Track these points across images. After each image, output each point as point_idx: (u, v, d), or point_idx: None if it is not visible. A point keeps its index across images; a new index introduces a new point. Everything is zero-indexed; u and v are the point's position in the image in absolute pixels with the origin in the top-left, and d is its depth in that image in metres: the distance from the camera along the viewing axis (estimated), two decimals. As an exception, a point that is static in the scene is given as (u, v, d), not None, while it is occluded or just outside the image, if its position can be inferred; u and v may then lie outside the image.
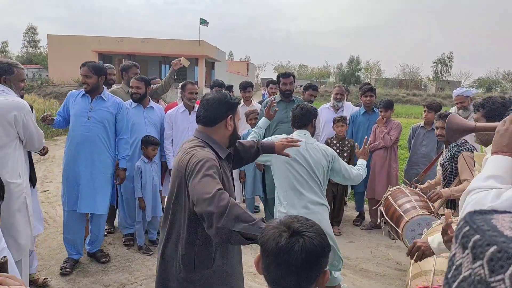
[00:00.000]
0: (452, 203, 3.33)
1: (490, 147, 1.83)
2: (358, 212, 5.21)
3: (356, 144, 3.64)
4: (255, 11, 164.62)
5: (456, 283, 0.39)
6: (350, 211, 5.48)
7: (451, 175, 3.28)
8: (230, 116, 1.86)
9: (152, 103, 4.18)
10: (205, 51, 29.31)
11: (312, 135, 3.06)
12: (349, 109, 5.38)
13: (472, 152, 3.16)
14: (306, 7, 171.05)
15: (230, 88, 6.33)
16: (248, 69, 45.53)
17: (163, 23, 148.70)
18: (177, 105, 4.91)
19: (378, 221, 3.76)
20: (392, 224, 3.42)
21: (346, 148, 4.71)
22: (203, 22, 29.81)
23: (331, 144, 4.73)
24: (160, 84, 4.61)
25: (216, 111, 1.84)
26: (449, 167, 3.27)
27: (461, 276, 0.39)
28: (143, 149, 3.91)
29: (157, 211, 4.01)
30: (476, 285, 0.36)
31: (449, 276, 0.42)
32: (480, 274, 0.36)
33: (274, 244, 1.01)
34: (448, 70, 52.41)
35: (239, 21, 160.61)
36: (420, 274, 2.24)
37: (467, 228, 0.41)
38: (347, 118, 4.86)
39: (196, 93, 4.26)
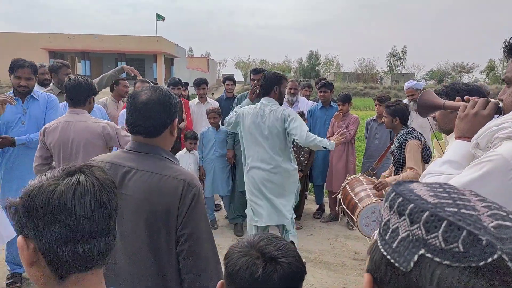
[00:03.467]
0: None
1: (451, 135, 1.88)
2: (318, 205, 5.31)
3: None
4: (213, 6, 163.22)
5: (396, 243, 0.47)
6: (310, 204, 5.58)
7: (399, 163, 3.41)
8: (175, 119, 1.51)
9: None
10: (163, 47, 28.69)
11: (281, 101, 3.42)
12: (304, 103, 5.46)
13: (420, 140, 3.29)
14: (264, 2, 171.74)
15: (186, 85, 6.20)
16: (209, 65, 45.09)
17: (118, 18, 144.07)
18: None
19: (337, 209, 3.88)
20: (349, 212, 3.53)
21: (304, 143, 4.77)
22: (160, 17, 29.16)
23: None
24: (99, 79, 4.32)
25: (161, 118, 1.43)
26: (397, 154, 3.40)
27: (399, 237, 0.47)
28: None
29: None
30: (415, 242, 0.45)
31: (387, 237, 0.49)
32: (418, 234, 0.45)
33: (248, 275, 0.89)
34: (402, 63, 54.69)
35: (198, 16, 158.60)
36: None
37: (400, 199, 0.49)
38: (305, 113, 4.93)
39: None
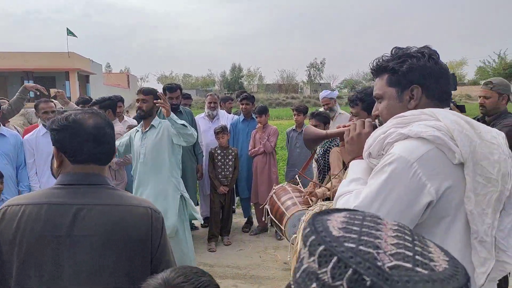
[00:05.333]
0: (327, 197, 3.58)
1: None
2: (246, 218, 5.28)
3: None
4: (133, 21, 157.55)
5: (299, 273, 0.48)
6: (238, 218, 5.53)
7: (325, 170, 3.53)
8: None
9: (3, 130, 3.55)
10: (76, 63, 26.90)
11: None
12: (224, 116, 5.44)
13: None
14: (185, 17, 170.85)
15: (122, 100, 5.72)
16: (129, 81, 43.33)
17: (24, 34, 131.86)
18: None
19: (264, 219, 3.87)
20: (276, 222, 3.54)
21: (230, 157, 4.73)
22: (70, 33, 27.33)
23: (216, 154, 4.71)
24: (7, 105, 3.95)
25: (113, 143, 1.35)
26: (322, 162, 3.53)
27: (302, 267, 0.48)
28: None
29: None
30: (310, 275, 0.45)
31: (296, 266, 0.51)
32: (313, 267, 0.46)
33: None
34: (320, 74, 57.90)
35: (116, 31, 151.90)
36: None
37: (308, 229, 0.50)
38: (227, 126, 4.90)
39: (53, 112, 3.76)
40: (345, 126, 1.44)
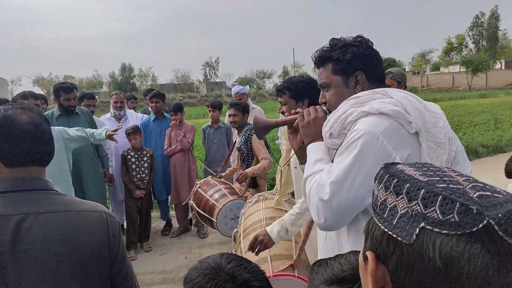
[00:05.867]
0: (254, 183, 3.72)
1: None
2: (164, 221, 5.07)
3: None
4: (1, 16, 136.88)
5: (396, 219, 0.52)
6: (155, 222, 5.27)
7: (248, 156, 3.65)
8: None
9: None
10: None
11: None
12: (133, 116, 5.14)
13: None
14: (65, 13, 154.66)
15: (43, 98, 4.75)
16: (-2, 84, 37.77)
17: None
18: None
19: (190, 216, 3.75)
20: (206, 215, 3.48)
21: (145, 158, 4.48)
22: None
23: (129, 156, 4.40)
24: None
25: (52, 140, 1.20)
26: (245, 149, 3.62)
27: (398, 214, 0.52)
28: None
29: None
30: (415, 217, 0.50)
31: (385, 216, 0.55)
32: (416, 209, 0.50)
33: None
34: (215, 72, 58.39)
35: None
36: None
37: (395, 180, 0.55)
38: (139, 126, 4.62)
39: None
40: (293, 114, 1.51)
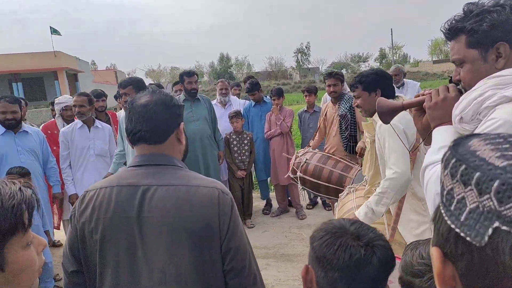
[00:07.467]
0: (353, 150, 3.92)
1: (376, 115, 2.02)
2: (265, 201, 5.34)
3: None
4: (112, 17, 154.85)
5: (464, 215, 0.43)
6: (257, 201, 5.58)
7: (352, 123, 3.79)
8: (181, 123, 1.32)
9: (26, 127, 3.53)
10: (64, 62, 26.46)
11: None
12: (236, 102, 5.45)
13: None
14: (166, 9, 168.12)
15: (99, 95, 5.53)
16: (117, 77, 42.79)
17: (6, 37, 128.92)
18: (55, 123, 4.30)
19: (300, 186, 3.69)
20: (333, 186, 3.36)
21: (246, 141, 4.77)
22: (55, 31, 26.67)
23: (231, 139, 4.74)
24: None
25: (165, 119, 1.26)
26: (350, 116, 3.73)
27: (467, 209, 0.43)
28: None
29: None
30: (487, 214, 0.41)
31: (452, 208, 0.45)
32: (489, 205, 0.40)
33: (347, 257, 0.85)
34: (307, 58, 57.92)
35: (97, 28, 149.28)
36: None
37: (463, 166, 0.44)
38: (241, 111, 4.91)
39: (82, 106, 3.70)
40: (423, 95, 1.33)
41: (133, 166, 1.26)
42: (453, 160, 0.47)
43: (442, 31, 1.26)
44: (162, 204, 1.17)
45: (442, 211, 0.48)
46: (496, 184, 0.40)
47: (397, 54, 63.76)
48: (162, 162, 1.24)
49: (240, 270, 1.21)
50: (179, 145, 1.31)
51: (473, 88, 1.14)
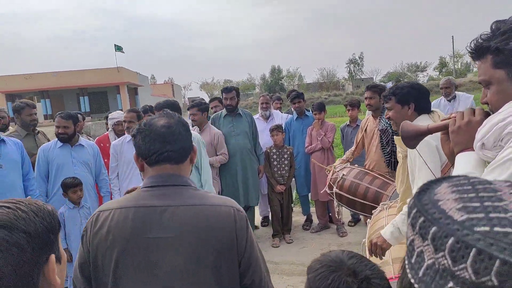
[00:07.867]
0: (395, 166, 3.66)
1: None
2: (305, 216, 5.28)
3: None
4: (167, 32, 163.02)
5: (422, 270, 0.42)
6: (297, 216, 5.55)
7: (393, 138, 3.61)
8: (193, 145, 1.38)
9: (82, 140, 3.84)
10: (125, 77, 28.35)
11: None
12: (278, 116, 5.50)
13: None
14: (219, 25, 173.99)
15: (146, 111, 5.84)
16: (174, 90, 44.87)
17: (75, 54, 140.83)
18: (108, 137, 4.62)
19: (336, 202, 3.66)
20: (368, 203, 3.30)
21: (286, 156, 4.77)
22: (119, 48, 28.79)
23: (271, 153, 4.77)
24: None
25: (188, 140, 1.32)
26: (391, 130, 3.58)
27: (425, 264, 0.41)
28: (64, 195, 3.43)
29: None
30: (442, 273, 0.39)
31: (413, 261, 0.44)
32: (444, 263, 0.39)
33: None
34: (360, 69, 56.58)
35: (155, 44, 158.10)
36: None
37: (422, 219, 0.43)
38: (282, 125, 4.95)
39: (131, 121, 3.96)
40: (450, 118, 1.27)
41: (149, 187, 1.28)
42: (414, 210, 0.45)
43: (468, 50, 1.19)
44: (179, 224, 1.19)
45: (406, 263, 0.46)
46: (450, 241, 0.38)
47: (459, 63, 60.23)
48: (178, 182, 1.27)
49: (258, 284, 1.27)
50: (190, 166, 1.36)
51: (497, 112, 1.10)
